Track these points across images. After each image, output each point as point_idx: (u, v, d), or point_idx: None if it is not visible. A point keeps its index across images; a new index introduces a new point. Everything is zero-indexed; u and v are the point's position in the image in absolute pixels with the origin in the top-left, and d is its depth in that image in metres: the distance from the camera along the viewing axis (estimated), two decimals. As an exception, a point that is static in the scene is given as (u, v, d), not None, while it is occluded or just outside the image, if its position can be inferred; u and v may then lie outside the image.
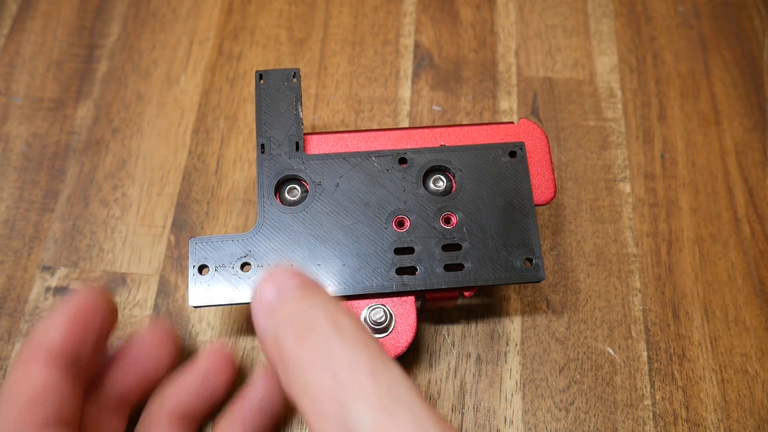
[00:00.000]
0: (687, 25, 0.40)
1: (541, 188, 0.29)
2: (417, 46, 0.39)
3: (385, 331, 0.27)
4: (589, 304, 0.33)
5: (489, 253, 0.27)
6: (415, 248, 0.27)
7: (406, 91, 0.38)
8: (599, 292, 0.33)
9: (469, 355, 0.31)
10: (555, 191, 0.29)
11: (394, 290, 0.27)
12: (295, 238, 0.27)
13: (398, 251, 0.27)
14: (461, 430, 0.30)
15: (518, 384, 0.31)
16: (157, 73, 0.38)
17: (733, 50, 0.39)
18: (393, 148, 0.29)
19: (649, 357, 0.32)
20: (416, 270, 0.27)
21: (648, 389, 0.31)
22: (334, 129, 0.37)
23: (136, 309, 0.32)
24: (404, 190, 0.28)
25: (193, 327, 0.32)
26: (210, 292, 0.27)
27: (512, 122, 0.30)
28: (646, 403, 0.31)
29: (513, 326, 0.32)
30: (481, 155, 0.29)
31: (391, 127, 0.37)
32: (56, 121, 0.37)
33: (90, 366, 0.25)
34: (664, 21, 0.40)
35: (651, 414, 0.30)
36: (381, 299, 0.27)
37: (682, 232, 0.34)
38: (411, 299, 0.28)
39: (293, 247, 0.27)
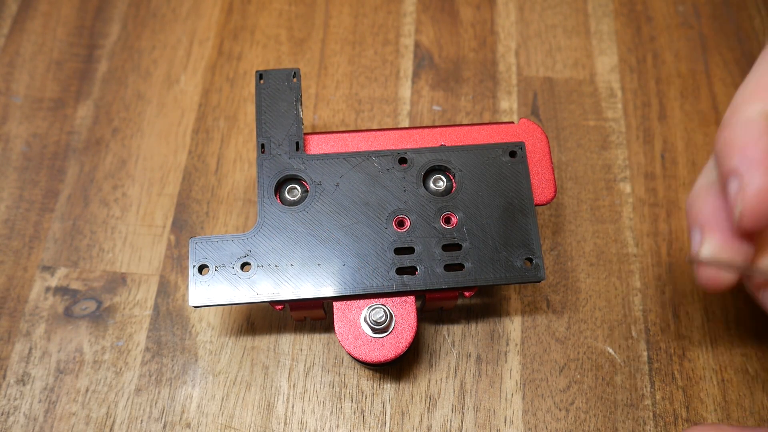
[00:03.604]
0: (687, 25, 0.40)
1: (541, 188, 0.29)
2: (417, 45, 0.39)
3: (385, 331, 0.27)
4: (590, 304, 0.33)
5: (489, 253, 0.27)
6: (415, 248, 0.27)
7: (406, 91, 0.38)
8: (599, 292, 0.33)
9: (469, 355, 0.31)
10: (555, 191, 0.29)
11: (394, 290, 0.27)
12: (295, 238, 0.27)
13: (398, 251, 0.27)
14: (461, 430, 0.30)
15: (518, 384, 0.31)
16: (157, 73, 0.38)
17: (733, 50, 0.39)
18: (393, 148, 0.29)
19: (649, 357, 0.32)
20: (416, 270, 0.27)
21: (648, 389, 0.31)
22: (334, 129, 0.37)
23: (136, 309, 0.32)
24: (404, 190, 0.28)
25: (193, 327, 0.32)
26: (210, 292, 0.27)
27: (512, 122, 0.30)
28: (646, 403, 0.31)
29: (513, 326, 0.32)
30: (481, 155, 0.29)
31: (391, 127, 0.37)
32: (56, 121, 0.37)
33: None
34: (665, 21, 0.40)
35: (651, 414, 0.30)
36: (381, 299, 0.27)
37: (682, 231, 0.34)
38: (411, 299, 0.27)
39: (293, 247, 0.27)
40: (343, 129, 0.37)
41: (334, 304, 0.27)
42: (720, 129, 0.22)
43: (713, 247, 0.22)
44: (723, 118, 0.23)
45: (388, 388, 0.31)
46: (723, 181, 0.22)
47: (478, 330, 0.32)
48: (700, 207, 0.23)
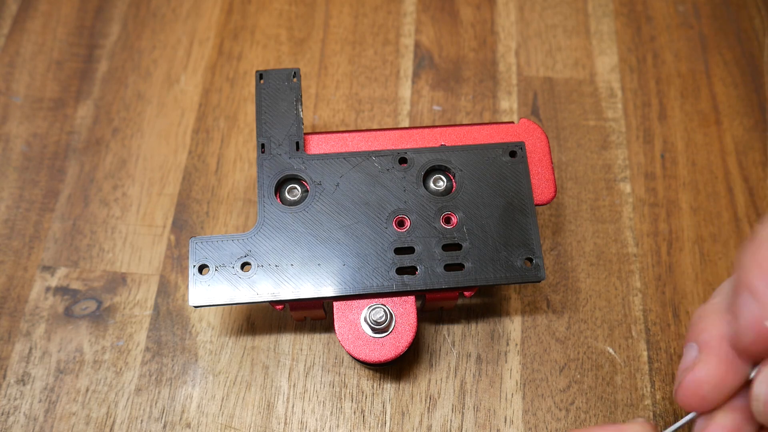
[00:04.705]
0: (687, 25, 0.40)
1: (541, 188, 0.29)
2: (417, 45, 0.39)
3: (386, 331, 0.27)
4: (590, 304, 0.33)
5: (489, 253, 0.27)
6: (415, 248, 0.27)
7: (406, 91, 0.38)
8: (599, 292, 0.33)
9: (470, 355, 0.31)
10: (555, 191, 0.29)
11: (394, 290, 0.27)
12: (296, 237, 0.27)
13: (398, 251, 0.27)
14: (461, 430, 0.30)
15: (518, 384, 0.31)
16: (157, 73, 0.38)
17: (733, 50, 0.39)
18: (393, 147, 0.29)
19: (649, 357, 0.32)
20: (416, 270, 0.27)
21: (648, 389, 0.31)
22: (334, 129, 0.37)
23: (136, 309, 0.32)
24: (404, 190, 0.28)
25: (193, 327, 0.32)
26: (210, 291, 0.27)
27: (512, 122, 0.30)
28: (646, 402, 0.31)
29: (513, 326, 0.32)
30: (481, 155, 0.29)
31: (391, 126, 0.37)
32: (56, 121, 0.37)
33: None
34: (665, 21, 0.40)
35: (651, 413, 0.30)
36: (381, 299, 0.27)
37: (682, 231, 0.34)
38: (411, 299, 0.27)
39: (293, 246, 0.27)
40: (343, 129, 0.37)
41: (334, 304, 0.27)
42: (750, 240, 0.22)
43: (707, 369, 0.22)
44: (756, 229, 0.22)
45: (388, 388, 0.31)
46: (738, 291, 0.22)
47: (478, 330, 0.32)
48: (706, 326, 0.23)
